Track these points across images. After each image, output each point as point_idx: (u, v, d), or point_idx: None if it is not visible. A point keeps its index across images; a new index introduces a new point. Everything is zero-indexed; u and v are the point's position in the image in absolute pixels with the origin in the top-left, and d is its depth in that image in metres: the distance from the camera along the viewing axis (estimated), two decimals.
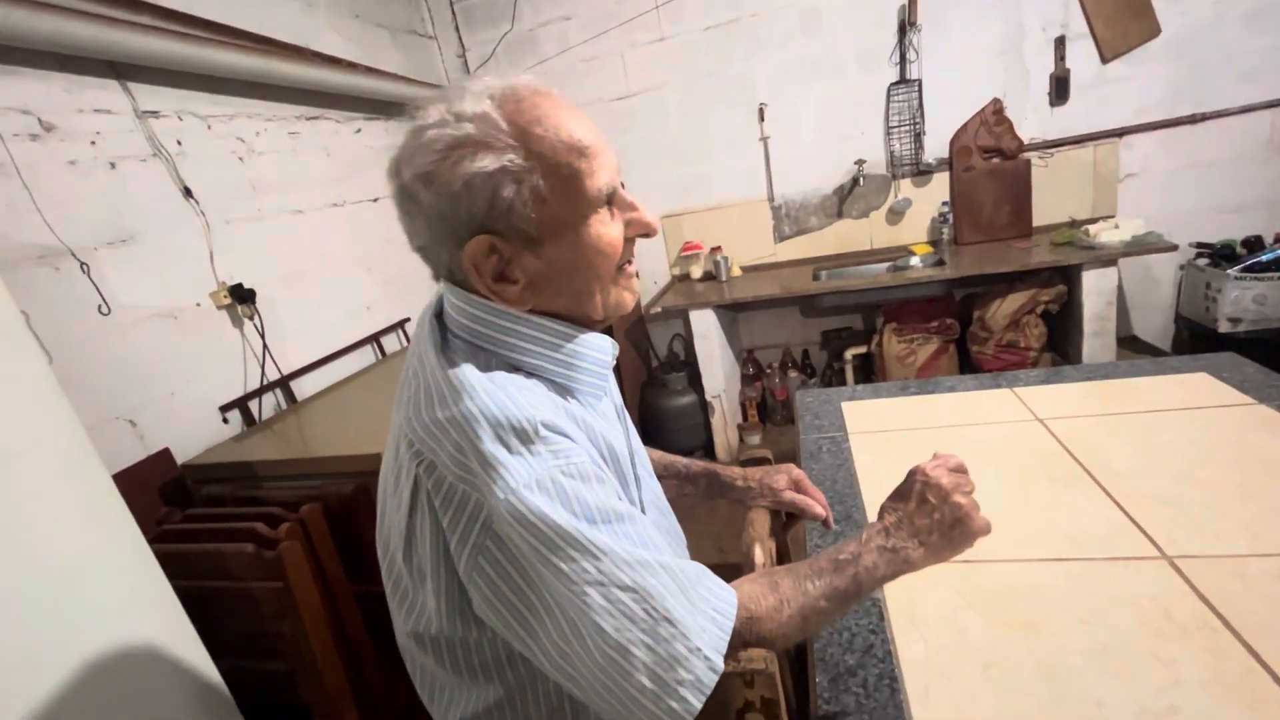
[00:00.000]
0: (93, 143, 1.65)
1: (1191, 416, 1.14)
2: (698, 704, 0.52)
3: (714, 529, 2.46)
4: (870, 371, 3.00)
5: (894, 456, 1.19)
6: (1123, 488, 0.97)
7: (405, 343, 2.75)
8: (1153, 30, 2.52)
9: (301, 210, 2.31)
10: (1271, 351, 2.18)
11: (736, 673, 0.68)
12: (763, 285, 2.85)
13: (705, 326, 2.82)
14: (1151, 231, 2.36)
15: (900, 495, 0.70)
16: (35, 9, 1.41)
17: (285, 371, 2.13)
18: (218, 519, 1.45)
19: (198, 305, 1.87)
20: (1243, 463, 0.97)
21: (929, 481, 0.68)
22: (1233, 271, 2.38)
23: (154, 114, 1.81)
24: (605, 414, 0.68)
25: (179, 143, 1.87)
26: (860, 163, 2.90)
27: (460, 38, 3.24)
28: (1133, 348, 2.76)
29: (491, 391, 0.55)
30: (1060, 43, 2.61)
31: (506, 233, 0.58)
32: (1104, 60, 2.60)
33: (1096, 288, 2.34)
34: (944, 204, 2.86)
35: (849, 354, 3.01)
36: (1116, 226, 2.37)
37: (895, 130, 2.86)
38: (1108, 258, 2.29)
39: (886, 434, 1.28)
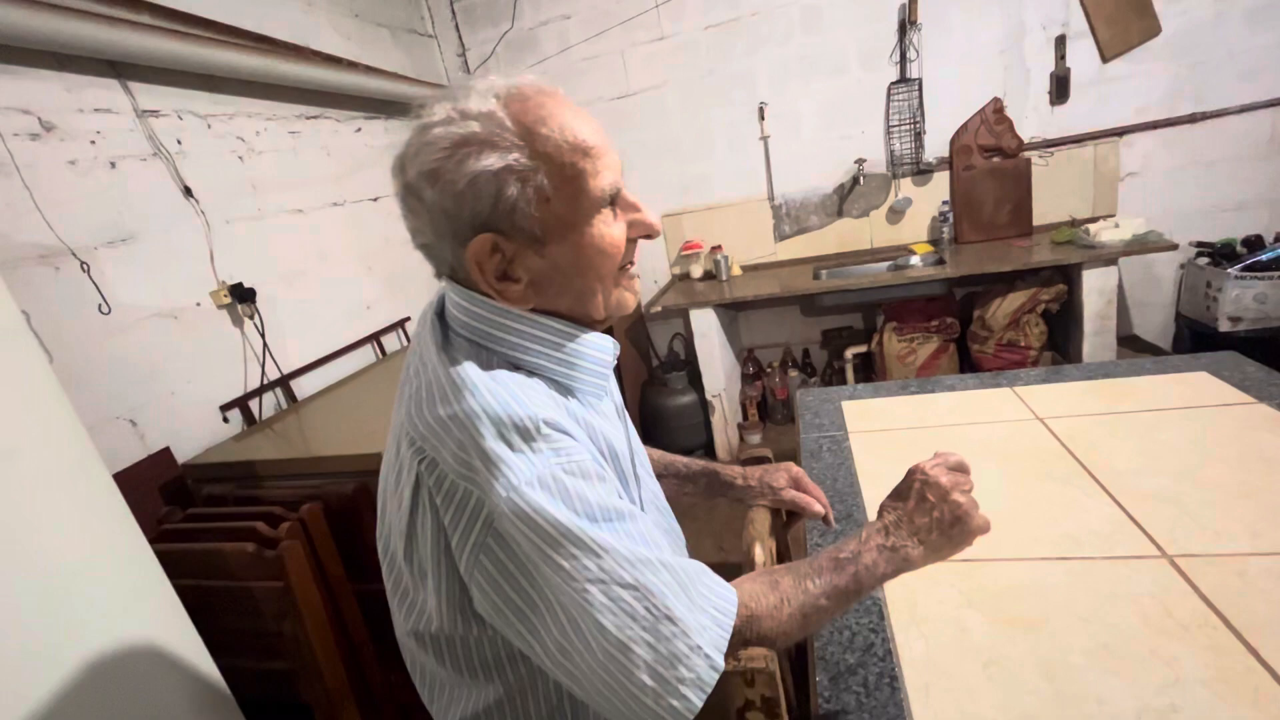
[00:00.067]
0: (93, 142, 1.65)
1: (1192, 415, 1.14)
2: (699, 702, 0.52)
3: (714, 528, 2.46)
4: (870, 370, 3.00)
5: (894, 455, 1.19)
6: (1123, 486, 0.97)
7: (405, 342, 2.75)
8: (1153, 29, 2.52)
9: (302, 209, 2.31)
10: (1272, 350, 2.19)
11: (737, 671, 0.68)
12: (763, 284, 2.85)
13: (705, 326, 2.82)
14: (1152, 230, 2.36)
15: (899, 494, 0.70)
16: (35, 8, 1.41)
17: (285, 371, 2.13)
18: (218, 518, 1.45)
19: (198, 305, 1.87)
20: (1243, 461, 0.98)
21: (928, 480, 0.68)
22: (1233, 270, 2.38)
23: (154, 113, 1.81)
24: (606, 413, 0.68)
25: (179, 142, 1.87)
26: (860, 162, 2.90)
27: (460, 37, 3.24)
28: (1133, 347, 2.76)
29: (493, 389, 0.55)
30: (1061, 41, 2.61)
31: (510, 231, 0.58)
32: (1104, 59, 2.60)
33: (1097, 287, 2.34)
34: (944, 203, 2.86)
35: (849, 353, 3.01)
36: (1117, 225, 2.37)
37: (895, 129, 2.86)
38: (1108, 257, 2.29)
39: (887, 433, 1.28)
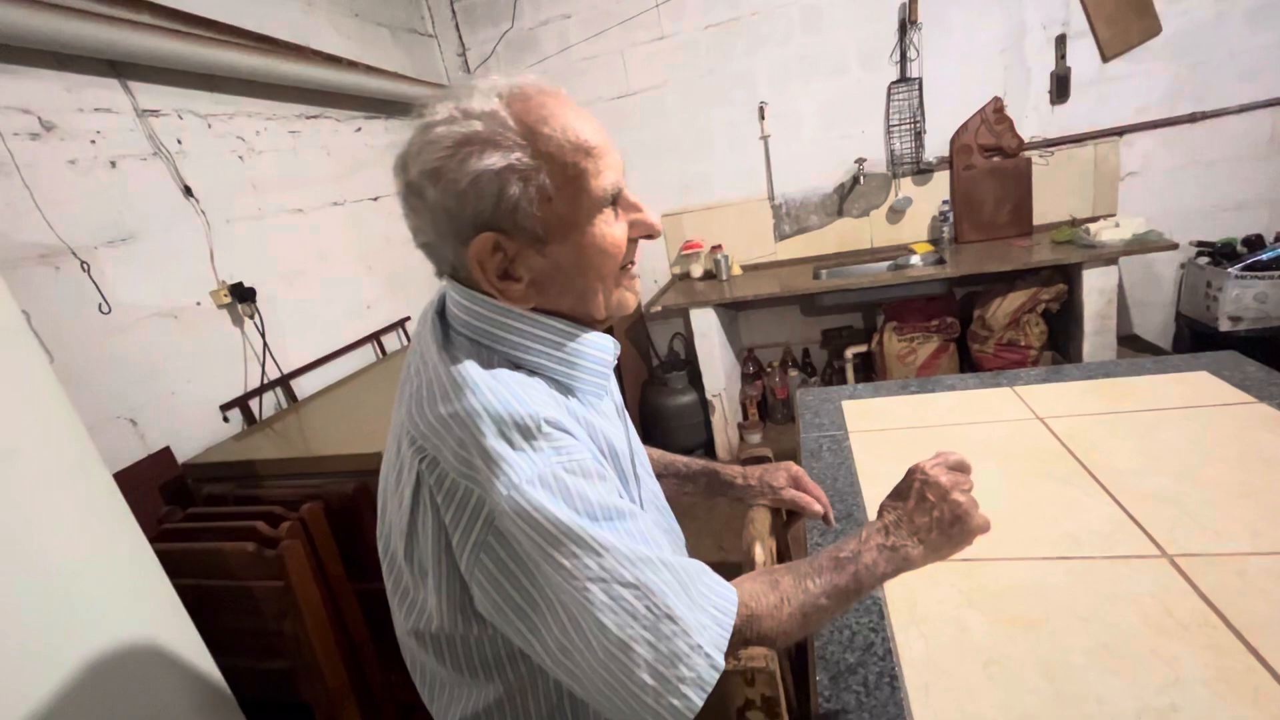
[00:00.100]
0: (93, 142, 1.65)
1: (1192, 415, 1.14)
2: (699, 701, 0.52)
3: (714, 527, 2.46)
4: (871, 370, 3.00)
5: (894, 455, 1.19)
6: (1123, 486, 0.97)
7: (406, 341, 2.75)
8: (1154, 29, 2.51)
9: (302, 209, 2.31)
10: (1272, 350, 2.18)
11: (737, 671, 0.68)
12: (763, 284, 2.85)
13: (706, 325, 2.82)
14: (1152, 230, 2.36)
15: (899, 494, 0.70)
16: (35, 8, 1.41)
17: (286, 370, 2.13)
18: (218, 518, 1.45)
19: (198, 304, 1.87)
20: (1243, 461, 0.98)
21: (928, 480, 0.68)
22: (1233, 270, 2.38)
23: (154, 113, 1.81)
24: (606, 413, 0.68)
25: (179, 141, 1.87)
26: (861, 161, 2.90)
27: (460, 36, 3.24)
28: (1133, 346, 2.75)
29: (494, 388, 0.55)
30: (1061, 41, 2.61)
31: (512, 231, 0.58)
32: (1105, 58, 2.60)
33: (1097, 286, 2.34)
34: (944, 202, 2.86)
35: (849, 352, 3.01)
36: (1117, 225, 2.37)
37: (896, 129, 2.86)
38: (1108, 256, 2.29)
39: (887, 432, 1.28)
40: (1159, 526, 0.87)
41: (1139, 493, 0.95)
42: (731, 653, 0.56)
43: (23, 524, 0.89)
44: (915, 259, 2.80)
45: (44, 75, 1.55)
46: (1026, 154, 2.73)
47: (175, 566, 1.12)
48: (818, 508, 0.92)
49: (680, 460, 0.98)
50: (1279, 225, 2.57)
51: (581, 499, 0.53)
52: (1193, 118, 2.57)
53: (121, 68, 1.72)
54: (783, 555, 1.03)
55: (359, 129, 2.65)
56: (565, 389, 0.63)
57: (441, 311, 0.66)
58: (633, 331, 3.31)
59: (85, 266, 1.58)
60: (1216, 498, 0.91)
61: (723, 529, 2.44)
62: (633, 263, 0.66)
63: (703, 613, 0.54)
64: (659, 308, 2.88)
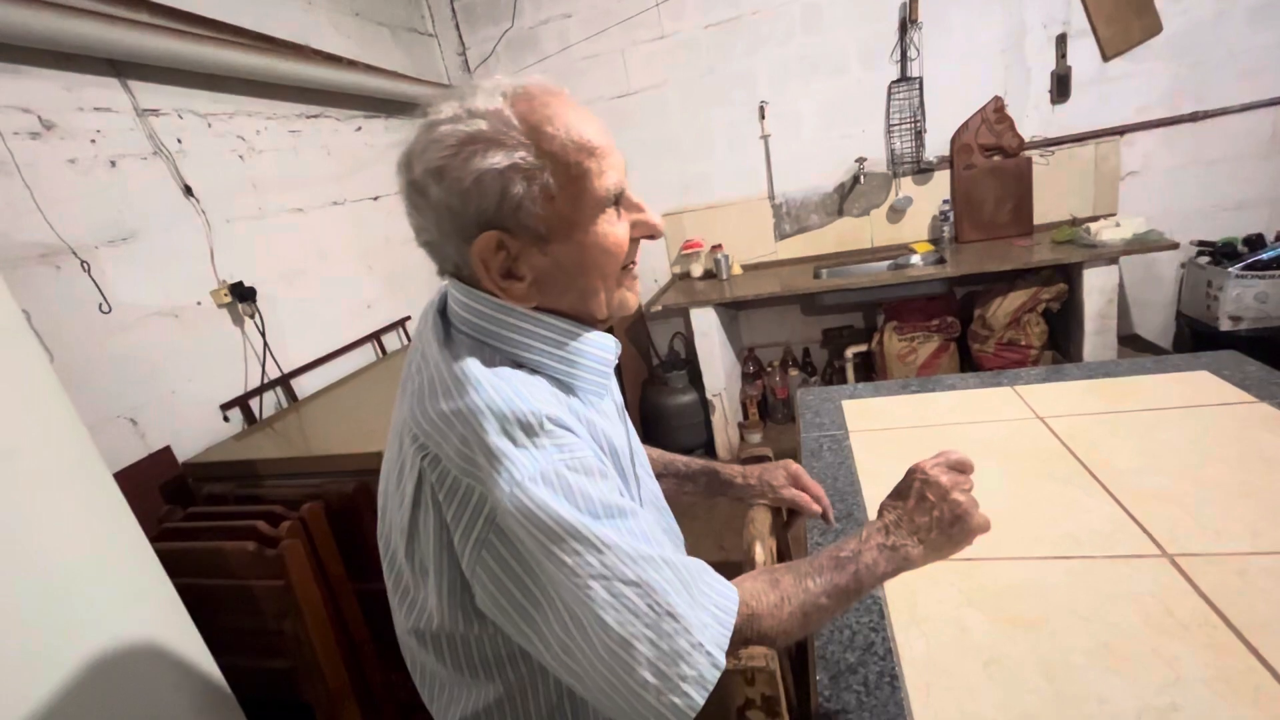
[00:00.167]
0: (93, 141, 1.65)
1: (1192, 414, 1.14)
2: (700, 700, 0.52)
3: (714, 527, 2.46)
4: (871, 370, 3.00)
5: (894, 454, 1.19)
6: (1124, 486, 0.97)
7: (406, 341, 2.75)
8: (1154, 28, 2.51)
9: (302, 208, 2.31)
10: (1273, 349, 2.18)
11: (737, 670, 0.68)
12: (763, 283, 2.85)
13: (706, 325, 2.82)
14: (1153, 229, 2.36)
15: (899, 493, 0.70)
16: (35, 7, 1.41)
17: (286, 370, 2.13)
18: (219, 517, 1.46)
19: (198, 304, 1.87)
20: (1244, 461, 0.97)
21: (928, 479, 0.68)
22: (1234, 269, 2.37)
23: (154, 112, 1.81)
24: (606, 412, 0.68)
25: (179, 141, 1.87)
26: (861, 161, 2.90)
27: (460, 35, 3.24)
28: (1134, 346, 2.75)
29: (497, 385, 0.56)
30: (1062, 40, 2.61)
31: (515, 229, 0.58)
32: (1105, 58, 2.59)
33: (1097, 286, 2.34)
34: (945, 202, 2.86)
35: (850, 352, 3.01)
36: (1118, 224, 2.37)
37: (896, 128, 2.86)
38: (1109, 256, 2.29)
39: (887, 432, 1.28)
40: (1159, 526, 0.87)
41: (1139, 492, 0.95)
42: (732, 652, 0.56)
43: (23, 524, 0.89)
44: (916, 258, 2.80)
45: (44, 74, 1.55)
46: (1027, 153, 2.73)
47: (175, 566, 1.12)
48: (816, 507, 0.92)
49: (680, 460, 0.98)
50: (1279, 225, 2.56)
51: (583, 496, 0.53)
52: (1193, 117, 2.57)
53: (121, 67, 1.72)
54: (783, 554, 1.03)
55: (359, 128, 2.65)
56: (566, 388, 0.63)
57: (443, 310, 0.66)
58: (633, 331, 3.31)
59: (85, 266, 1.58)
60: (1217, 497, 0.91)
61: (723, 528, 2.44)
62: (634, 263, 0.67)
63: (704, 611, 0.54)
64: (659, 307, 2.88)
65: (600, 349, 0.66)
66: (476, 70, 3.26)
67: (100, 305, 1.60)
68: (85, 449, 1.00)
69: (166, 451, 1.71)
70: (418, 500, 0.57)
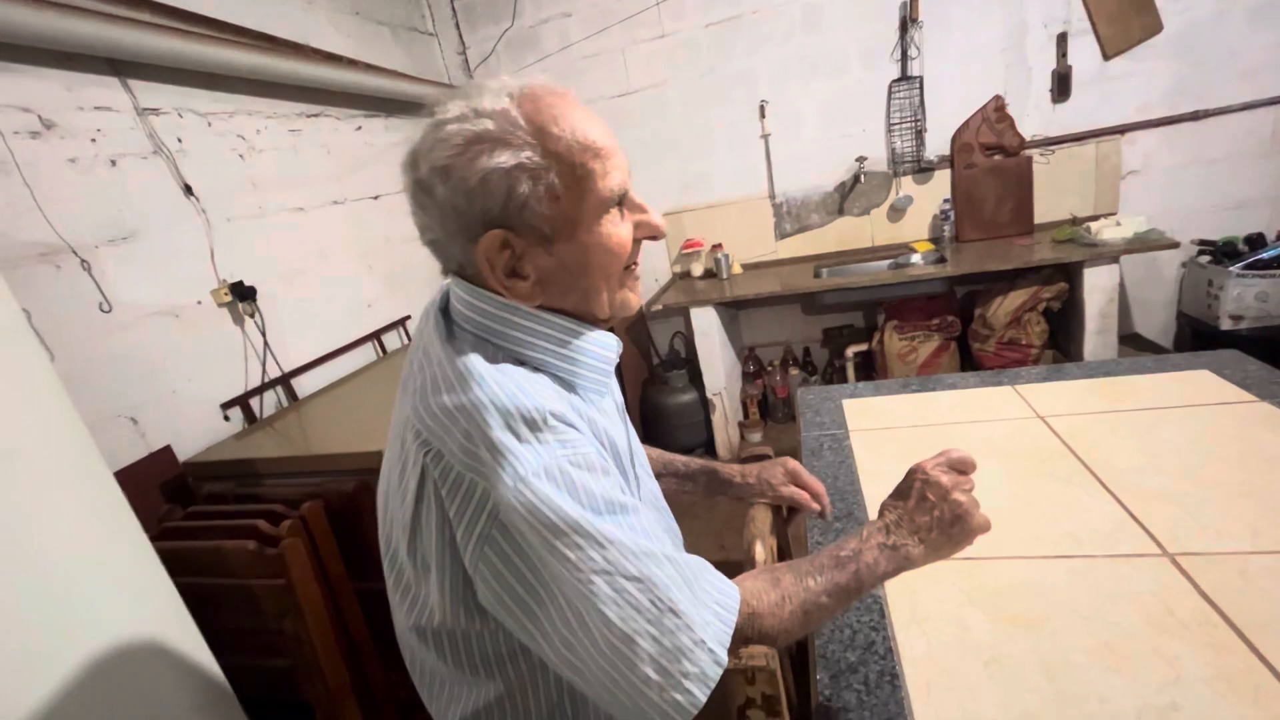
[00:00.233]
0: (93, 140, 1.65)
1: (1193, 414, 1.14)
2: (702, 697, 0.52)
3: (714, 526, 2.46)
4: (871, 369, 3.00)
5: (895, 454, 1.19)
6: (1124, 485, 0.97)
7: (406, 340, 2.75)
8: (1155, 27, 2.51)
9: (302, 208, 2.31)
10: (1273, 348, 2.18)
11: (738, 669, 0.68)
12: (764, 283, 2.85)
13: (706, 324, 2.82)
14: (1153, 229, 2.36)
15: (900, 493, 0.70)
16: (36, 6, 1.40)
17: (286, 369, 2.13)
18: (219, 516, 1.46)
19: (199, 303, 1.87)
20: (1244, 460, 0.97)
21: (928, 479, 0.68)
22: (1235, 268, 2.37)
23: (154, 111, 1.81)
24: (607, 411, 0.68)
25: (179, 140, 1.87)
26: (861, 160, 2.90)
27: (461, 35, 3.24)
28: (1134, 345, 2.75)
29: (501, 381, 0.56)
30: (1062, 39, 2.60)
31: (520, 229, 0.59)
32: (1106, 57, 2.59)
33: (1098, 285, 2.34)
34: (945, 201, 2.85)
35: (850, 351, 3.01)
36: (1118, 223, 2.37)
37: (896, 127, 2.86)
38: (1109, 255, 2.29)
39: (888, 431, 1.28)
40: (1160, 525, 0.87)
41: (1140, 491, 0.95)
42: (733, 650, 0.56)
43: (23, 523, 0.89)
44: (916, 258, 2.80)
45: (44, 74, 1.55)
46: (1027, 152, 2.73)
47: (176, 565, 1.12)
48: (815, 505, 0.92)
49: (679, 459, 0.98)
50: (1279, 224, 2.57)
51: (586, 492, 0.53)
52: (1194, 116, 2.56)
53: (121, 66, 1.72)
54: (783, 553, 1.03)
55: (359, 127, 2.65)
56: (568, 386, 0.63)
57: (444, 309, 0.66)
58: (633, 330, 3.31)
59: (86, 265, 1.58)
60: (1218, 496, 0.91)
61: (723, 528, 2.44)
62: (636, 263, 0.67)
63: (706, 609, 0.55)
64: (660, 306, 2.88)
65: (602, 347, 0.66)
66: (476, 69, 3.26)
67: (100, 304, 1.60)
68: (85, 448, 1.00)
69: (167, 451, 1.71)
70: (420, 496, 0.57)
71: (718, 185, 3.16)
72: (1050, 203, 2.76)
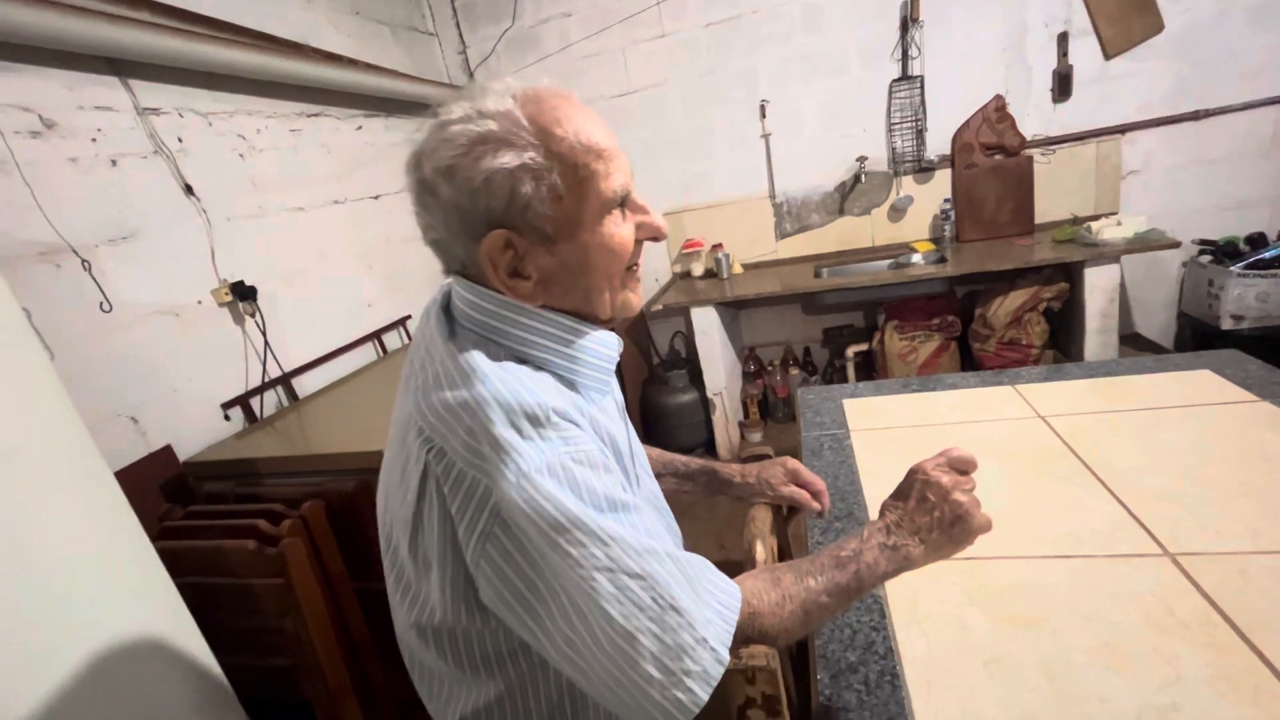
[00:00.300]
0: (93, 140, 1.65)
1: (1194, 413, 1.13)
2: (704, 695, 0.52)
3: (715, 526, 2.46)
4: (872, 369, 3.00)
5: (895, 454, 1.19)
6: (1125, 485, 0.97)
7: (406, 340, 2.75)
8: (1156, 27, 2.51)
9: (302, 207, 2.31)
10: (1274, 348, 2.18)
11: (738, 669, 0.67)
12: (764, 282, 2.85)
13: (706, 324, 2.82)
14: (1154, 228, 2.36)
15: (900, 494, 0.70)
16: (36, 6, 1.40)
17: (286, 369, 2.13)
18: (219, 516, 1.46)
19: (199, 303, 1.88)
20: (1245, 460, 0.97)
21: (929, 480, 0.68)
22: (1235, 268, 2.37)
23: (154, 111, 1.81)
24: (607, 410, 0.69)
25: (180, 140, 1.87)
26: (862, 159, 2.89)
27: (461, 34, 3.23)
28: (1135, 345, 2.75)
29: (503, 377, 0.56)
30: (1063, 39, 2.60)
31: (523, 229, 0.59)
32: (1107, 57, 2.59)
33: (1099, 285, 2.34)
34: (946, 201, 2.85)
35: (850, 351, 3.01)
36: (1119, 223, 2.37)
37: (897, 127, 2.86)
38: (1110, 255, 2.29)
39: (888, 431, 1.28)
40: (1160, 525, 0.87)
41: (1140, 491, 0.95)
42: (734, 650, 0.56)
43: (23, 523, 0.89)
44: (916, 257, 2.80)
45: (45, 73, 1.55)
46: (1028, 152, 2.73)
47: (176, 564, 1.12)
48: (815, 504, 0.92)
49: (679, 459, 0.98)
50: None
51: (588, 490, 0.54)
52: (1195, 116, 2.56)
53: (122, 66, 1.72)
54: (784, 552, 1.03)
55: (359, 127, 2.65)
56: (570, 384, 0.63)
57: (446, 308, 0.66)
58: (634, 330, 3.31)
59: (86, 265, 1.58)
60: (1218, 496, 0.90)
61: (723, 527, 2.44)
62: (638, 264, 0.67)
63: (707, 607, 0.55)
64: (660, 306, 2.88)
65: (604, 346, 0.66)
66: (476, 69, 3.26)
67: (101, 304, 1.60)
68: (86, 448, 1.00)
69: (167, 450, 1.71)
70: (422, 493, 0.57)
71: (718, 185, 3.16)
72: (1051, 202, 2.76)
